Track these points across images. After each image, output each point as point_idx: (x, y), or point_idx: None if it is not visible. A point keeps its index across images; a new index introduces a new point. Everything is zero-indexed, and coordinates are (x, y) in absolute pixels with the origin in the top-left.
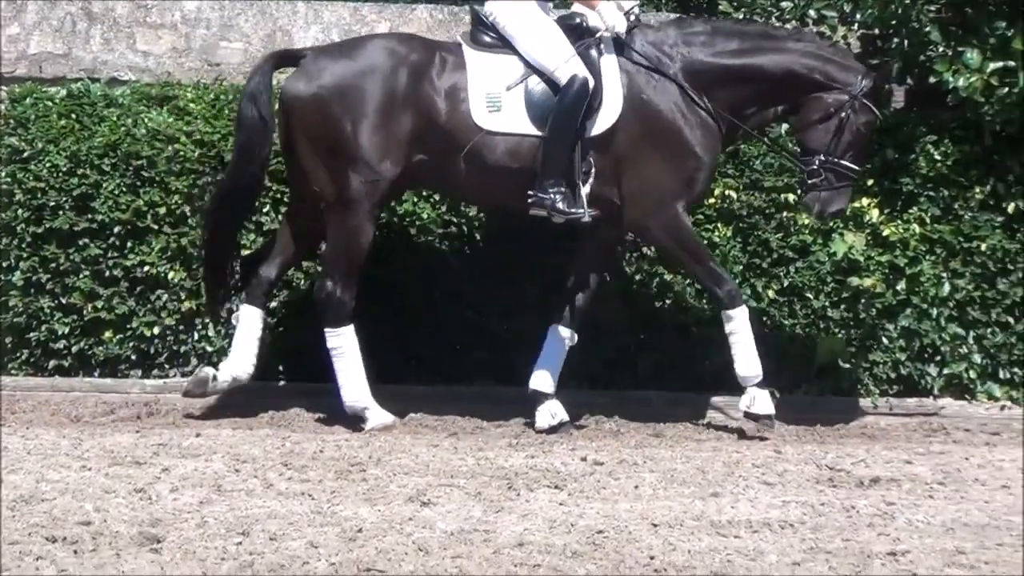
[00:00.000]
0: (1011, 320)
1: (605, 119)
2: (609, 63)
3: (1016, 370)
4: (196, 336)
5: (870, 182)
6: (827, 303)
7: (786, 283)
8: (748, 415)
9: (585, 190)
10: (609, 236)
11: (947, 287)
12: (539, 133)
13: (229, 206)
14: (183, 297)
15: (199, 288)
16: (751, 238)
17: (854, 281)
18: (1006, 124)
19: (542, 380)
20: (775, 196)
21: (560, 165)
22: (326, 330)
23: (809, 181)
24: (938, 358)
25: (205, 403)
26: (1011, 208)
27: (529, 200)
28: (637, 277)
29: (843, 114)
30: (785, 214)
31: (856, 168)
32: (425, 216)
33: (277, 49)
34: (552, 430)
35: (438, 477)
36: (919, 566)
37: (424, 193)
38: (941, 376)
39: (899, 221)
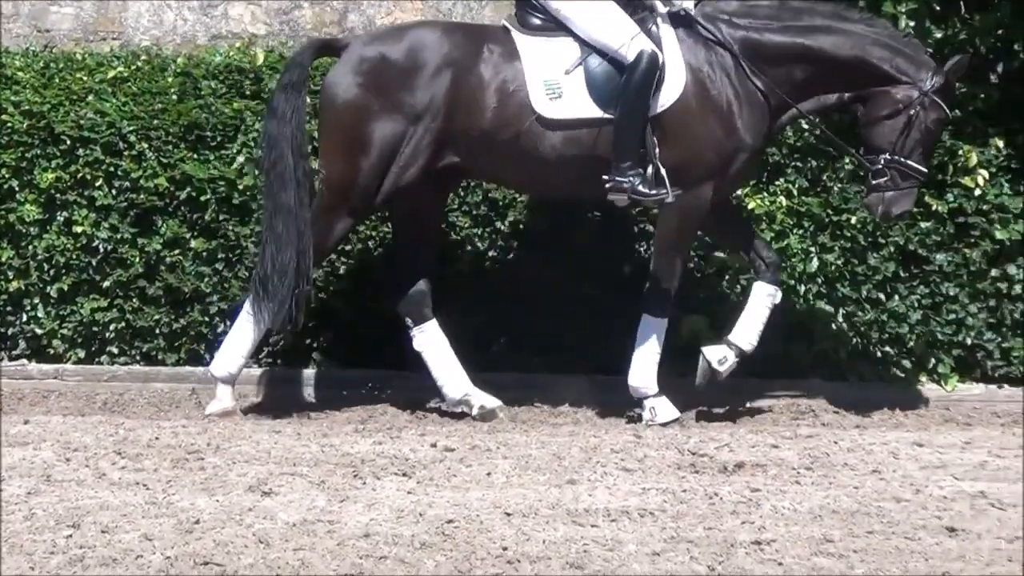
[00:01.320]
0: (882, 297)
1: (667, 96)
2: (668, 36)
3: (887, 349)
4: (24, 317)
5: None
6: (690, 280)
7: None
8: (651, 424)
9: (662, 170)
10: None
11: (815, 262)
12: (604, 115)
13: (280, 197)
14: (10, 277)
15: (28, 267)
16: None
17: (718, 256)
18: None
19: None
20: None
21: (634, 146)
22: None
23: (874, 181)
24: (807, 335)
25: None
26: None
27: (607, 185)
28: (491, 253)
29: (912, 111)
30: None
31: (923, 169)
32: None
33: (320, 37)
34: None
35: (280, 465)
36: (785, 555)
37: None
38: (810, 354)
39: (765, 194)
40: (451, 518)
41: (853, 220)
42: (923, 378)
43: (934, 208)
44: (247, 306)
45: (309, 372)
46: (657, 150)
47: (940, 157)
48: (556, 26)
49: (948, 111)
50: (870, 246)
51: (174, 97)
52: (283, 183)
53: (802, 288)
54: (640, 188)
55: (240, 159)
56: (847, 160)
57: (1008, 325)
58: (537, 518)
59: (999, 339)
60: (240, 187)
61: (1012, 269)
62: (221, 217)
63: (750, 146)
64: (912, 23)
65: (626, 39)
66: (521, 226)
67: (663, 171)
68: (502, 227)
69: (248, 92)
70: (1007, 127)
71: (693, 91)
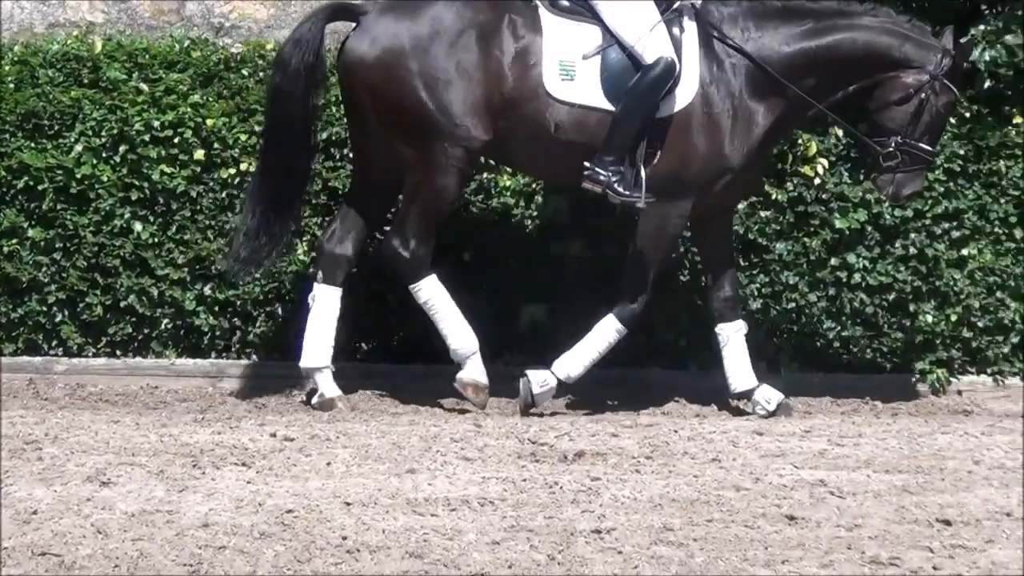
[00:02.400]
0: None
1: (677, 102)
2: (689, 41)
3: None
4: None
5: None
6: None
7: (487, 248)
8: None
9: (646, 173)
10: (720, 215)
11: None
12: (611, 108)
13: (277, 157)
14: None
15: None
16: None
17: (557, 246)
18: None
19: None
20: None
21: (625, 145)
22: (411, 288)
23: (885, 164)
24: (646, 325)
25: None
26: None
27: (585, 172)
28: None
29: (923, 95)
30: (486, 175)
31: (933, 151)
32: None
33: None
34: (772, 414)
35: (118, 455)
36: (625, 544)
37: None
38: (650, 343)
39: None
40: (290, 508)
41: None
42: (762, 365)
43: (774, 197)
44: (426, 291)
45: (148, 362)
46: (654, 155)
47: (780, 146)
48: (585, 11)
49: (957, 93)
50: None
51: (11, 86)
52: (282, 140)
53: None
54: (616, 186)
55: (78, 148)
56: None
57: (847, 314)
58: (377, 507)
59: (839, 328)
60: (78, 176)
61: (852, 258)
62: (59, 206)
63: (735, 168)
64: None
65: (650, 40)
66: None
67: (643, 176)
68: None
69: (86, 81)
70: (846, 117)
71: (699, 104)
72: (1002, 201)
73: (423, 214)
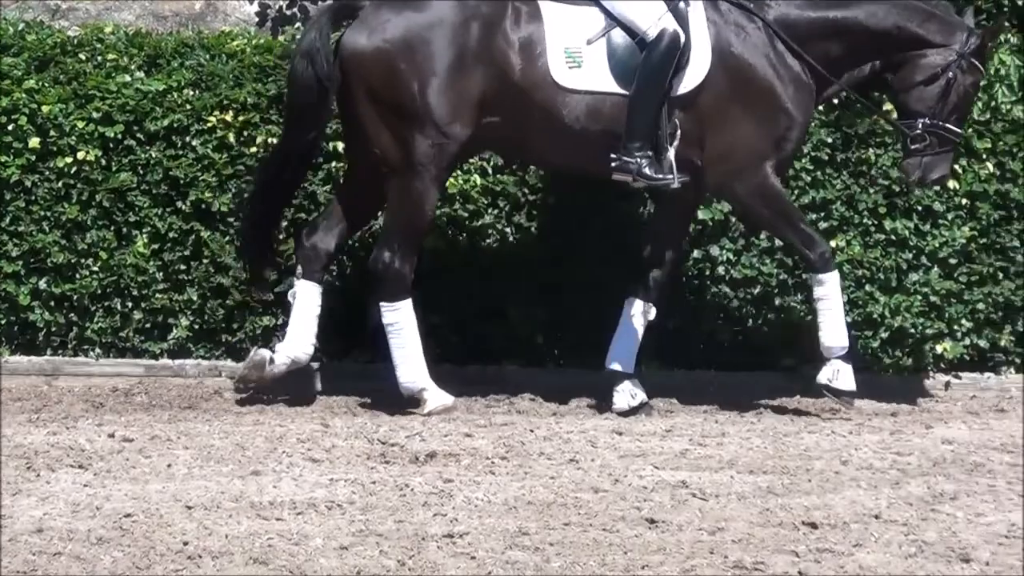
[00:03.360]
0: None
1: (693, 77)
2: (697, 14)
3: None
4: None
5: None
6: None
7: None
8: (828, 389)
9: (671, 154)
10: (687, 200)
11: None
12: (623, 91)
13: (280, 171)
14: None
15: None
16: None
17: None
18: None
19: (620, 359)
20: None
21: (646, 127)
22: (382, 305)
23: (912, 146)
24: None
25: None
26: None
27: (612, 164)
28: (170, 235)
29: (950, 74)
30: (334, 164)
31: (960, 132)
32: None
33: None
34: (632, 411)
35: None
36: (478, 548)
37: None
38: (506, 339)
39: (459, 172)
40: (129, 512)
41: (552, 200)
42: None
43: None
44: (396, 314)
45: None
46: (678, 133)
47: None
48: None
49: (984, 72)
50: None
51: None
52: (288, 153)
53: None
54: (646, 171)
55: None
56: None
57: (711, 307)
58: (219, 511)
59: (700, 323)
60: None
61: (715, 250)
62: None
63: (800, 123)
64: None
65: (651, 16)
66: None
67: (671, 156)
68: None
69: None
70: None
71: (723, 72)
72: (871, 191)
73: (406, 225)
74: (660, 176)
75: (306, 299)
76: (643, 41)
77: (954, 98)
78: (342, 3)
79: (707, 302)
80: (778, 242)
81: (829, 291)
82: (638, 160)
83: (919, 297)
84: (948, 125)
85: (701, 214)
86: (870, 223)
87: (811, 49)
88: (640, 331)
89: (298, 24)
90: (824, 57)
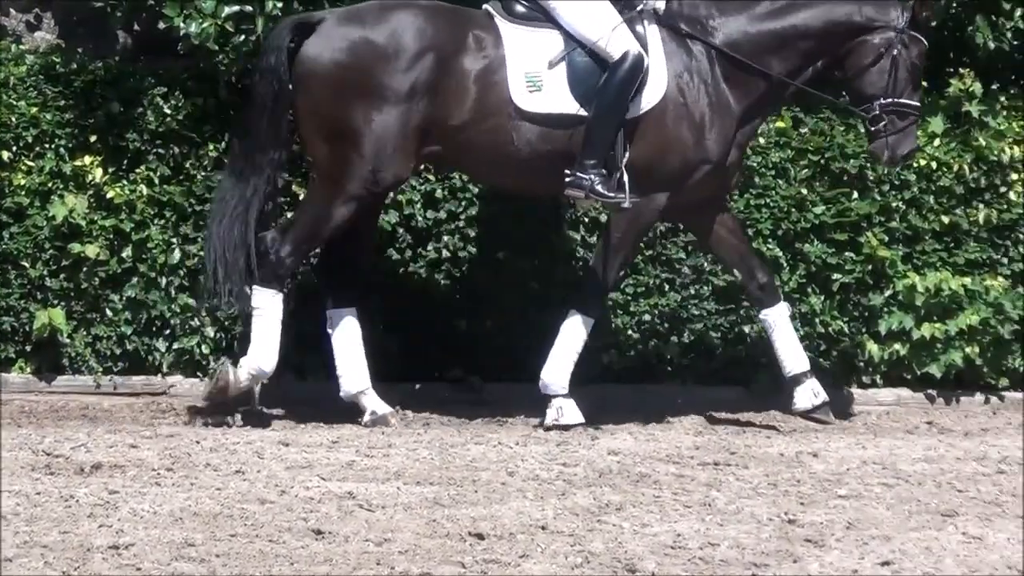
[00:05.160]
0: (247, 289)
1: (648, 99)
2: (654, 38)
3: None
4: None
5: (93, 138)
6: (45, 272)
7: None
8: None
9: (623, 173)
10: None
11: (177, 254)
12: (583, 113)
13: (243, 184)
14: None
15: None
16: None
17: (75, 248)
18: (242, 75)
19: (794, 361)
20: None
21: (604, 146)
22: (255, 286)
23: (873, 128)
24: (167, 332)
25: None
26: None
27: (567, 180)
28: None
29: (895, 51)
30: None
31: (917, 104)
32: None
33: (294, 16)
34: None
35: None
36: (144, 560)
37: None
38: (171, 352)
39: (125, 182)
40: None
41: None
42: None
43: (301, 196)
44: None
45: None
46: (626, 153)
47: None
48: (542, 16)
49: (925, 41)
50: None
51: None
52: (250, 171)
53: (164, 281)
54: (599, 188)
55: None
56: (211, 147)
57: (377, 319)
58: None
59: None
60: None
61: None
62: None
63: (714, 160)
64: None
65: (613, 38)
66: None
67: (625, 176)
68: None
69: None
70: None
71: (672, 97)
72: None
73: (312, 230)
74: (612, 194)
75: (349, 330)
76: (603, 61)
77: (903, 73)
78: (300, 20)
79: (375, 312)
80: (446, 252)
81: (574, 329)
82: (591, 177)
83: None
84: (903, 100)
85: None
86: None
87: (761, 59)
88: (791, 330)
89: None
90: (775, 65)
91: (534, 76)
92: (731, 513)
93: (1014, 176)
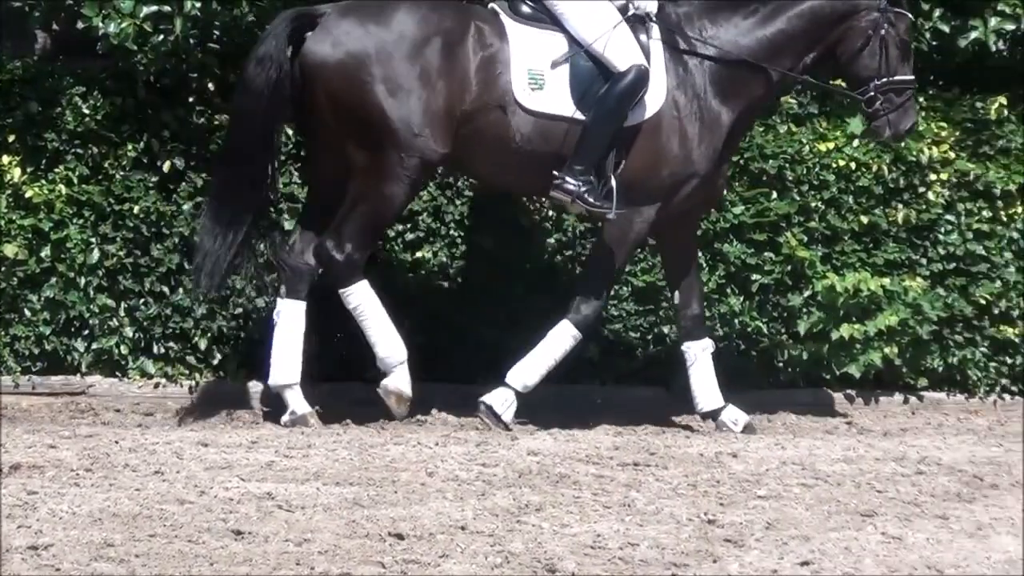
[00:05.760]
0: (166, 290)
1: (644, 111)
2: (656, 49)
3: (171, 344)
4: None
5: (11, 138)
6: None
7: None
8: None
9: (613, 183)
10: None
11: (96, 254)
12: (580, 117)
13: (229, 177)
14: None
15: None
16: None
17: None
18: (161, 75)
19: (708, 399)
20: None
21: (596, 154)
22: (341, 292)
23: (870, 109)
24: (86, 332)
25: None
26: (166, 167)
27: (554, 182)
28: None
29: (882, 31)
30: None
31: (912, 78)
32: None
33: (295, 8)
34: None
35: None
36: (63, 560)
37: None
38: (89, 352)
39: (43, 181)
40: None
41: (136, 209)
42: (209, 375)
43: None
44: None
45: None
46: (619, 164)
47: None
48: (547, 18)
49: (910, 15)
50: (154, 236)
51: None
52: (242, 159)
53: (82, 281)
54: (586, 196)
55: None
56: (130, 147)
57: None
58: None
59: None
60: None
61: None
62: None
63: (702, 175)
64: None
65: (620, 47)
66: None
67: (614, 186)
68: None
69: None
70: None
71: (667, 111)
72: (458, 203)
73: (365, 220)
74: (599, 204)
75: (292, 319)
76: (607, 70)
77: (894, 51)
78: (301, 12)
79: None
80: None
81: (563, 341)
82: (579, 184)
83: (504, 310)
84: (897, 77)
85: (288, 225)
86: (456, 235)
87: (754, 71)
88: (710, 367)
89: None
90: (769, 74)
91: (537, 74)
92: (651, 513)
93: (933, 176)
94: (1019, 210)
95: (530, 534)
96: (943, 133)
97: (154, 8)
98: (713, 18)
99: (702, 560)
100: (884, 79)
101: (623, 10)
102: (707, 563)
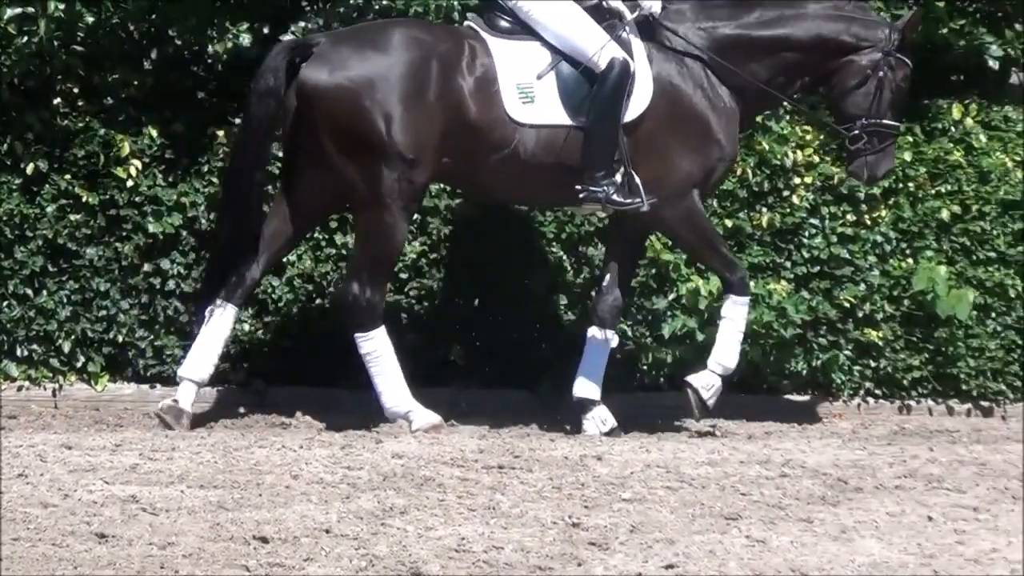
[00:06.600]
0: (30, 292)
1: (636, 105)
2: (637, 45)
3: (35, 347)
4: None
5: None
6: None
7: None
8: (696, 395)
9: (637, 178)
10: (636, 226)
11: None
12: (575, 123)
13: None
14: None
15: None
16: None
17: None
18: (25, 77)
19: (586, 387)
20: None
21: (607, 154)
22: (357, 336)
23: (853, 147)
24: None
25: None
26: (30, 169)
27: (581, 195)
28: None
29: (880, 73)
30: None
31: (897, 124)
32: None
33: (291, 39)
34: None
35: None
36: None
37: None
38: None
39: None
40: None
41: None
42: (73, 378)
43: (84, 200)
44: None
45: None
46: (631, 159)
47: (93, 147)
48: (523, 30)
49: (910, 64)
50: (17, 239)
51: None
52: (238, 189)
53: None
54: (615, 197)
55: None
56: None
57: (161, 322)
58: None
59: (152, 336)
60: None
61: (165, 263)
62: None
63: (730, 154)
64: None
65: (597, 47)
66: None
67: (637, 179)
68: None
69: None
70: (161, 115)
71: (662, 101)
72: None
73: (377, 256)
74: (628, 200)
75: (222, 322)
76: (590, 71)
77: (888, 95)
78: (296, 42)
79: (155, 315)
80: None
81: (737, 313)
82: (605, 188)
83: None
84: (885, 121)
85: (152, 227)
86: (321, 237)
87: (748, 69)
88: (605, 359)
89: None
90: (760, 75)
91: (525, 87)
92: (515, 516)
93: (797, 180)
94: (883, 214)
95: (395, 537)
96: (808, 137)
97: (18, 10)
98: (710, 14)
99: (567, 563)
100: (872, 120)
101: (598, 9)
102: (572, 566)
